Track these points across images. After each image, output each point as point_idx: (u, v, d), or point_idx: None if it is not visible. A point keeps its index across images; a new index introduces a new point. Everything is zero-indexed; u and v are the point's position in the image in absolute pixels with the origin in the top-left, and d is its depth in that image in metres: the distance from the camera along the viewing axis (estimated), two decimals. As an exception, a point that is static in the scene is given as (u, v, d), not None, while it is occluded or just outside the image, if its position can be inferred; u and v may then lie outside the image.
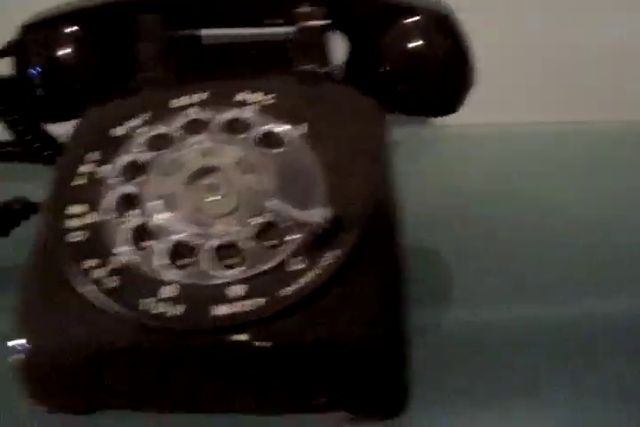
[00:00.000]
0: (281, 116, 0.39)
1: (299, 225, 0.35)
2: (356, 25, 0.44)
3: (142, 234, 0.36)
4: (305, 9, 0.42)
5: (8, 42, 0.47)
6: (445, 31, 0.44)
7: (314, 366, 0.34)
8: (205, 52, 0.45)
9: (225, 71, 0.43)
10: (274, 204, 0.35)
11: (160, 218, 0.36)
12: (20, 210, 0.47)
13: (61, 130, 0.51)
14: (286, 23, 0.44)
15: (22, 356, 0.34)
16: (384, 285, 0.35)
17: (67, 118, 0.46)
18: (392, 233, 0.36)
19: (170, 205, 0.36)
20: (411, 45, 0.44)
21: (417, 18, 0.44)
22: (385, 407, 0.35)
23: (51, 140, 0.52)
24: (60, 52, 0.44)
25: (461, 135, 0.59)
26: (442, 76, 0.45)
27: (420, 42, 0.44)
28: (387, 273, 0.35)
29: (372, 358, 0.34)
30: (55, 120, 0.47)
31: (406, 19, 0.44)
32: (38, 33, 0.45)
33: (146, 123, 0.39)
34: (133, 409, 0.35)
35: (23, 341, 0.35)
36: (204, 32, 0.45)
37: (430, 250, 0.47)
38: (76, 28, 0.44)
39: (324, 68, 0.42)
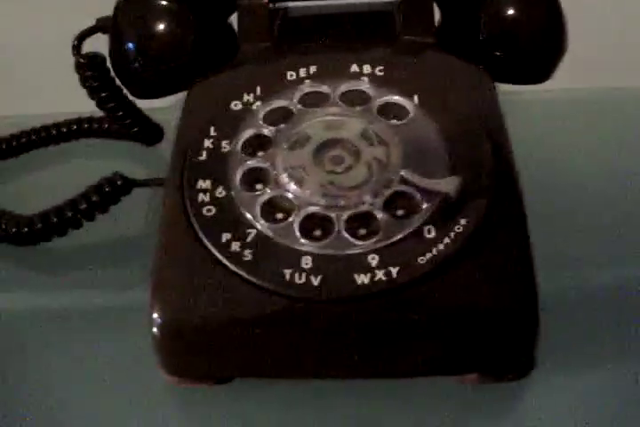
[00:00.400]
0: (397, 88, 0.39)
1: (429, 195, 0.36)
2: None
3: (274, 207, 0.37)
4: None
5: (98, 19, 0.48)
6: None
7: (452, 329, 0.35)
8: (303, 23, 0.46)
9: (328, 43, 0.44)
10: (406, 174, 0.36)
11: (292, 191, 0.37)
12: (119, 186, 0.48)
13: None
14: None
15: (165, 327, 0.35)
16: (516, 249, 0.36)
17: (161, 95, 0.47)
18: (518, 199, 0.37)
19: (299, 178, 0.37)
20: (508, 10, 0.44)
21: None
22: (519, 367, 0.37)
23: (142, 117, 0.53)
24: (157, 26, 0.44)
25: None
26: (539, 41, 0.45)
27: (518, 6, 0.44)
28: (517, 238, 0.36)
29: (510, 319, 0.35)
30: (149, 96, 0.48)
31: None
32: (134, 7, 0.45)
33: (261, 97, 0.40)
34: (271, 377, 0.37)
35: (163, 313, 0.36)
36: (301, 3, 0.45)
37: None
38: (173, 2, 0.44)
39: (431, 38, 0.42)
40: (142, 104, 0.51)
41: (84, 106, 0.52)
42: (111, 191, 0.48)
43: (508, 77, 0.46)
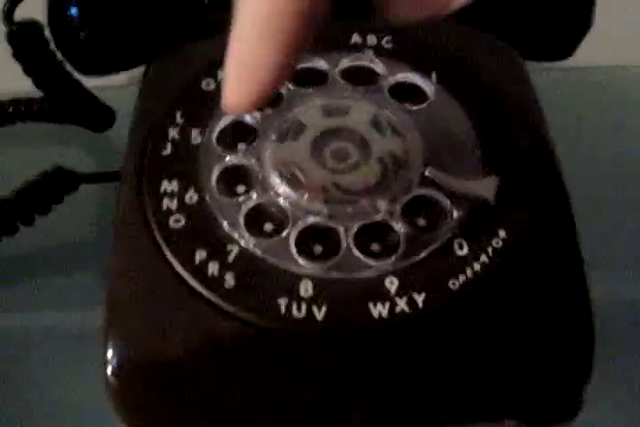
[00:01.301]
0: (410, 63, 0.32)
1: (459, 200, 0.28)
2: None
3: (262, 217, 0.29)
4: None
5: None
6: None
7: (489, 369, 0.28)
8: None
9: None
10: (430, 173, 0.28)
11: (284, 195, 0.29)
12: (63, 182, 0.39)
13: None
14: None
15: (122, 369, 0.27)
16: (569, 270, 0.29)
17: (112, 70, 0.39)
18: (567, 205, 0.30)
19: (294, 178, 0.29)
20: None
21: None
22: (565, 412, 0.30)
23: (90, 98, 0.44)
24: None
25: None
26: (565, 14, 0.38)
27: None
28: (569, 255, 0.29)
29: (561, 358, 0.28)
30: (98, 73, 0.39)
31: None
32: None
33: (240, 74, 0.32)
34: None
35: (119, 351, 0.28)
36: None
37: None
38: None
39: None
40: (90, 82, 0.43)
41: (21, 84, 0.43)
42: (53, 189, 0.39)
43: (529, 53, 0.39)
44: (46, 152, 0.48)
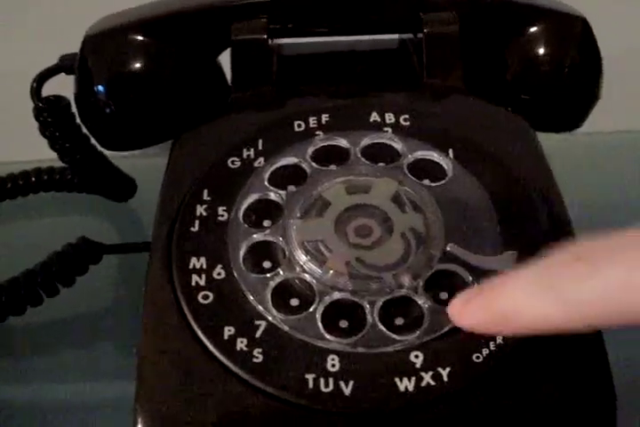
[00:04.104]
0: (428, 141, 0.33)
1: (480, 275, 0.29)
2: (484, 31, 0.38)
3: (289, 293, 0.29)
4: (435, 14, 0.36)
5: (61, 57, 0.40)
6: (582, 37, 0.39)
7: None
8: (307, 62, 0.39)
9: (338, 86, 0.37)
10: (452, 249, 0.29)
11: (311, 272, 0.29)
12: (87, 254, 0.40)
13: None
14: (406, 30, 0.37)
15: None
16: (590, 339, 0.29)
17: (136, 147, 0.40)
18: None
19: (319, 255, 0.30)
20: (545, 53, 0.38)
21: (553, 22, 0.38)
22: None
23: (113, 170, 0.45)
24: (133, 65, 0.37)
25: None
26: (575, 87, 0.39)
27: (554, 49, 0.38)
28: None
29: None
30: (122, 148, 0.40)
31: (541, 23, 0.38)
32: (104, 43, 0.38)
33: (264, 152, 0.33)
34: None
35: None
36: (304, 39, 0.39)
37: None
38: (153, 38, 0.37)
39: (459, 81, 0.36)
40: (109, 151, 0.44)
41: (44, 153, 0.44)
42: (78, 260, 0.40)
43: (538, 125, 0.40)
44: (67, 221, 0.49)
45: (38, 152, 0.45)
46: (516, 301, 0.24)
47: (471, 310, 0.26)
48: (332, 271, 0.29)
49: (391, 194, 0.31)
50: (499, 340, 0.28)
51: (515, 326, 0.24)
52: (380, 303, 0.29)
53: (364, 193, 0.31)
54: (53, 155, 0.44)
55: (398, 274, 0.29)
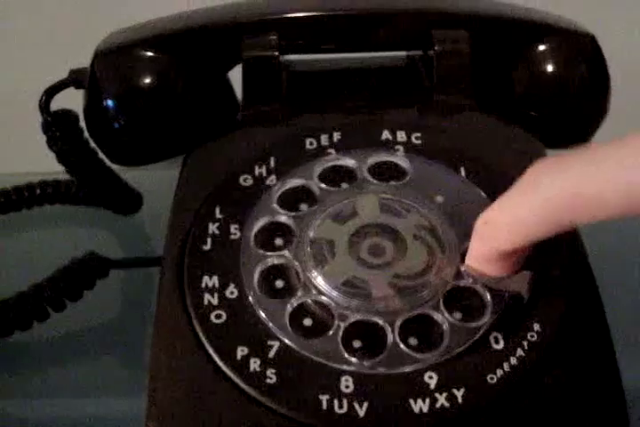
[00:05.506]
0: (438, 160, 0.33)
1: (494, 294, 0.29)
2: (494, 48, 0.38)
3: (304, 313, 0.29)
4: (446, 31, 0.36)
5: (71, 71, 0.40)
6: (590, 54, 0.39)
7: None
8: (317, 79, 0.39)
9: (349, 104, 0.37)
10: (467, 268, 0.29)
11: (327, 293, 0.29)
12: (95, 268, 0.40)
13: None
14: (416, 47, 0.37)
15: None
16: (603, 360, 0.29)
17: (145, 162, 0.40)
18: (596, 292, 0.30)
19: (334, 277, 0.29)
20: (554, 70, 0.38)
21: (562, 40, 0.38)
22: None
23: (120, 184, 0.45)
24: (143, 81, 0.37)
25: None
26: (583, 104, 0.39)
27: (565, 66, 0.38)
28: (602, 346, 0.29)
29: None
30: (131, 163, 0.40)
31: (551, 41, 0.38)
32: (115, 58, 0.38)
33: (276, 170, 0.33)
34: None
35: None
36: (315, 56, 0.39)
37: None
38: (163, 53, 0.37)
39: (469, 99, 0.36)
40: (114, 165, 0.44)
41: (49, 166, 0.44)
42: (85, 275, 0.40)
43: (547, 141, 0.40)
44: (72, 234, 0.48)
45: (47, 165, 0.45)
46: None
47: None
48: (348, 293, 0.29)
49: (402, 213, 0.31)
50: (513, 361, 0.28)
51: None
52: (400, 323, 0.29)
53: (375, 213, 0.31)
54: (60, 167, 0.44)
55: (414, 293, 0.29)
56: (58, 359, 0.39)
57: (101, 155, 0.41)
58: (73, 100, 0.40)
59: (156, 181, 0.48)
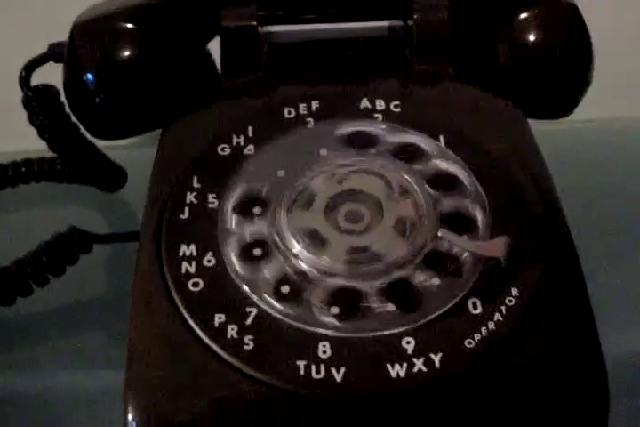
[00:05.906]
0: (416, 128, 0.33)
1: (472, 260, 0.29)
2: (474, 17, 0.38)
3: (281, 279, 0.29)
4: (425, 0, 0.36)
5: (50, 45, 0.40)
6: (572, 23, 0.38)
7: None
8: (297, 50, 0.39)
9: (328, 74, 0.37)
10: (443, 233, 0.29)
11: (304, 258, 0.29)
12: (78, 243, 0.40)
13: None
14: (396, 16, 0.37)
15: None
16: (581, 325, 0.29)
17: (126, 135, 0.40)
18: (575, 259, 0.30)
19: (312, 243, 0.29)
20: (536, 39, 0.37)
21: (544, 8, 0.38)
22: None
23: (104, 160, 0.45)
24: (122, 53, 0.36)
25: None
26: (566, 73, 0.39)
27: (545, 33, 0.38)
28: (580, 310, 0.29)
29: (574, 423, 0.28)
30: (112, 137, 0.40)
31: (532, 9, 0.37)
32: (93, 31, 0.38)
33: (254, 139, 0.33)
34: None
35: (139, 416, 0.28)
36: (294, 27, 0.38)
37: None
38: (142, 26, 0.37)
39: (450, 68, 0.36)
40: (100, 142, 0.43)
41: (33, 144, 0.44)
42: (68, 250, 0.40)
43: (529, 111, 0.40)
44: (58, 212, 0.48)
45: (27, 142, 0.45)
46: None
47: None
48: (327, 258, 0.29)
49: (379, 180, 0.31)
50: (490, 326, 0.28)
51: None
52: (375, 288, 0.29)
53: (353, 180, 0.31)
54: (43, 145, 0.44)
55: (393, 258, 0.29)
56: (41, 334, 0.39)
57: (83, 130, 0.41)
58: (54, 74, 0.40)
59: (140, 159, 0.47)
